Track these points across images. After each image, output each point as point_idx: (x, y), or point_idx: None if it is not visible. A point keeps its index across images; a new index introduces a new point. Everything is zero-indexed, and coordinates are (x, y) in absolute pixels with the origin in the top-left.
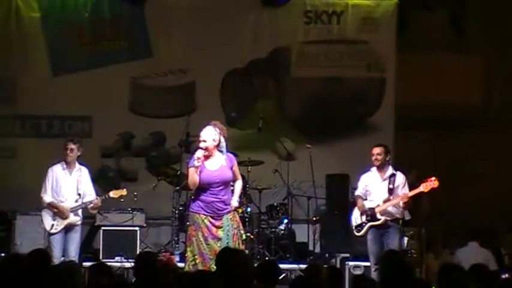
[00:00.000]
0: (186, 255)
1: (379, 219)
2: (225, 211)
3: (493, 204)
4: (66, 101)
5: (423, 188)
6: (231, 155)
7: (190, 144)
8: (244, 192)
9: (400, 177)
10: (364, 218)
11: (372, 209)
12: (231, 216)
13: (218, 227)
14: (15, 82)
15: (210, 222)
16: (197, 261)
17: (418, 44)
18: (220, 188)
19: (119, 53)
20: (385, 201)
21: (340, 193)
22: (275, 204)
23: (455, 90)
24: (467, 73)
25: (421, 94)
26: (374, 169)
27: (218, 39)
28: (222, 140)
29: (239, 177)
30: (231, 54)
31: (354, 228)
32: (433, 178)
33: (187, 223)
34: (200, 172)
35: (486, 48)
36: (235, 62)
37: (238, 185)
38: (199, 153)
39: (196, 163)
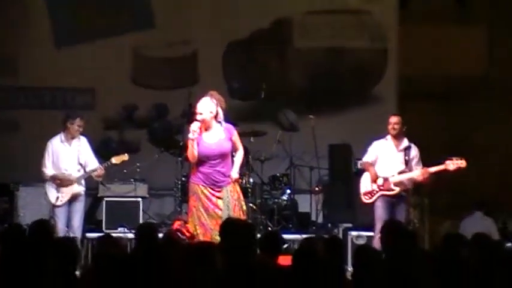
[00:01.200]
0: (188, 225)
1: (393, 190)
2: (224, 182)
3: (497, 176)
4: (69, 73)
5: (449, 166)
6: (229, 126)
7: (192, 116)
8: (246, 163)
9: (415, 150)
10: (375, 185)
11: (386, 178)
12: (230, 188)
13: (218, 198)
14: (18, 54)
15: (210, 192)
16: (198, 231)
17: (420, 15)
18: (219, 160)
19: (121, 24)
20: (400, 173)
21: (343, 163)
22: (278, 174)
23: (458, 61)
24: (470, 44)
25: (423, 65)
26: (389, 138)
27: (220, 9)
28: (220, 111)
29: (240, 147)
30: (233, 25)
31: (362, 194)
32: (461, 159)
33: (189, 194)
34: (198, 145)
35: (489, 19)
36: (238, 33)
37: (239, 156)
38: (194, 126)
39: (191, 135)
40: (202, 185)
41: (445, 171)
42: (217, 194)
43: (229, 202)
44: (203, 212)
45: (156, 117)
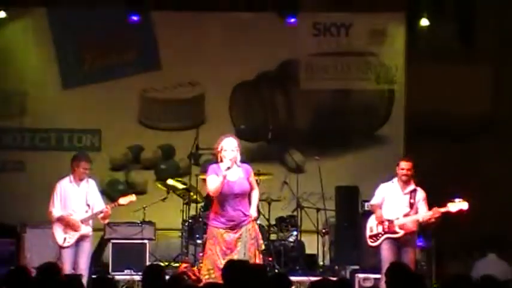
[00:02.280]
0: (195, 269)
1: (397, 233)
2: (244, 222)
3: (505, 213)
4: (76, 114)
5: (451, 207)
6: (247, 166)
7: (199, 157)
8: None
9: (421, 193)
10: (380, 228)
11: (391, 221)
12: (249, 227)
13: (237, 239)
14: (25, 96)
15: (229, 236)
16: (213, 275)
17: (428, 54)
18: (239, 199)
19: (128, 66)
20: (405, 215)
21: (350, 205)
22: (284, 216)
23: (465, 101)
24: (476, 84)
25: (430, 105)
26: (395, 181)
27: (227, 51)
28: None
29: (256, 187)
30: (240, 67)
31: (368, 237)
32: (461, 200)
33: (204, 236)
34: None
35: (496, 59)
36: (244, 74)
37: (255, 195)
38: (227, 163)
39: (228, 172)
40: (222, 229)
41: (447, 213)
42: (237, 236)
43: (247, 242)
44: (220, 255)
45: (162, 158)
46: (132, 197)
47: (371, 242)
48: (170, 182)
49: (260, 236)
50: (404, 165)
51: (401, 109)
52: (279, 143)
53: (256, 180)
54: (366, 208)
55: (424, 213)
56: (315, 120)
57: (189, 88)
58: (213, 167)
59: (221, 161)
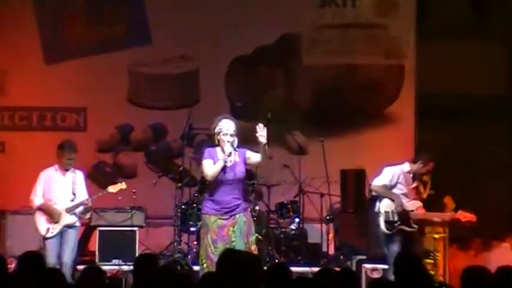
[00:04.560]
0: (200, 256)
1: (413, 227)
2: (238, 208)
3: None
4: (59, 91)
5: (461, 217)
6: (243, 150)
7: (193, 138)
8: (252, 189)
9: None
10: (396, 216)
11: (406, 212)
12: (245, 220)
13: (230, 226)
14: (4, 72)
15: (222, 223)
16: (205, 265)
17: (439, 30)
18: (233, 185)
19: (116, 40)
20: (418, 209)
21: (356, 190)
22: (285, 202)
23: (478, 78)
24: (490, 61)
25: (442, 83)
26: (407, 167)
27: (222, 24)
28: None
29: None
30: (236, 41)
31: (383, 222)
32: (470, 213)
33: (199, 223)
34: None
35: (509, 34)
36: (241, 48)
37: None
38: (229, 147)
39: (229, 159)
40: (214, 215)
41: (457, 220)
42: (229, 223)
43: (241, 232)
44: (211, 243)
45: (153, 139)
46: (123, 185)
47: (386, 229)
48: (111, 190)
49: (253, 229)
50: (431, 166)
51: (412, 86)
52: (279, 123)
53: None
54: (374, 194)
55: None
56: (318, 98)
57: (181, 63)
58: (209, 150)
59: (218, 144)
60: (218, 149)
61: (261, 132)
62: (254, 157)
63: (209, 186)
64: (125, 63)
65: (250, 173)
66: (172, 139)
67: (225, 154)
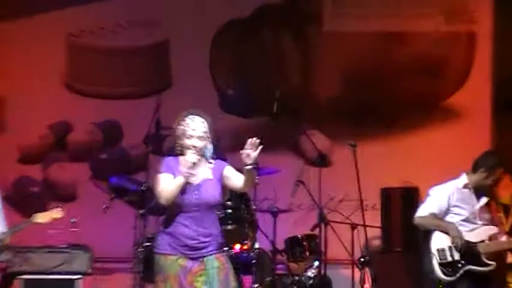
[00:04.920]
0: None
1: (487, 265)
2: (208, 248)
3: None
4: None
5: None
6: (220, 163)
7: (162, 141)
8: (247, 219)
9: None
10: (457, 254)
11: (473, 244)
12: (218, 264)
13: (196, 274)
14: None
15: (185, 265)
16: None
17: None
18: (202, 211)
19: None
20: (492, 238)
21: (404, 217)
22: (299, 236)
23: None
24: None
25: None
26: (464, 178)
27: None
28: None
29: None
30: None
31: (438, 265)
32: None
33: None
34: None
35: None
36: (235, 9)
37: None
38: (192, 157)
39: (189, 172)
40: (174, 255)
41: None
42: (195, 269)
43: (214, 280)
44: None
45: (103, 144)
46: (57, 212)
47: (445, 274)
48: (39, 219)
49: (232, 277)
50: (500, 175)
51: (487, 66)
52: (290, 119)
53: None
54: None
55: None
56: (347, 82)
57: (144, 31)
58: (168, 161)
59: (180, 152)
60: (181, 158)
61: (250, 151)
62: (235, 178)
63: (166, 214)
64: (62, 31)
65: (244, 194)
66: (131, 144)
67: (186, 164)
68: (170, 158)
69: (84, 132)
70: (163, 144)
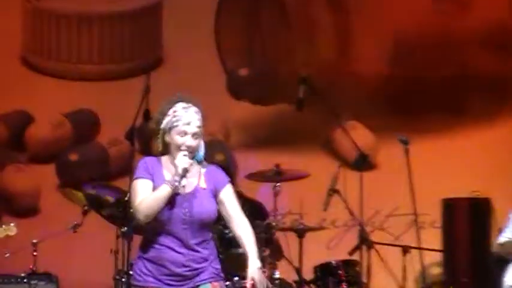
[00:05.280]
0: None
1: None
2: (202, 276)
3: None
4: None
5: None
6: (216, 170)
7: (152, 136)
8: (264, 240)
9: None
10: None
11: None
12: None
13: None
14: None
15: None
16: None
17: None
18: (193, 231)
19: None
20: None
21: (474, 238)
22: (333, 262)
23: None
24: None
25: None
26: None
27: None
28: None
29: (241, 213)
30: None
31: None
32: None
33: None
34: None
35: None
36: None
37: (246, 230)
38: (184, 161)
39: (178, 180)
40: (155, 286)
41: None
42: None
43: None
44: None
45: (74, 140)
46: (10, 229)
47: None
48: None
49: None
50: None
51: None
52: (322, 107)
53: (274, 187)
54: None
55: None
56: (396, 57)
57: None
58: (146, 162)
59: (164, 151)
60: (164, 160)
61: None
62: (229, 207)
63: (145, 234)
64: None
65: (259, 206)
66: (110, 140)
67: (176, 171)
68: (148, 158)
69: (49, 124)
70: (154, 139)
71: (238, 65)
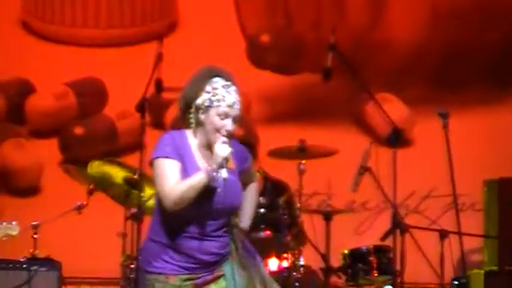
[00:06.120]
0: None
1: None
2: (227, 256)
3: None
4: None
5: None
6: (238, 144)
7: (163, 108)
8: (288, 223)
9: None
10: None
11: None
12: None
13: (212, 284)
14: None
15: (195, 284)
16: None
17: None
18: (223, 220)
19: None
20: None
21: None
22: (363, 249)
23: None
24: None
25: None
26: None
27: None
28: None
29: (254, 178)
30: None
31: None
32: None
33: None
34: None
35: None
36: None
37: (251, 193)
38: (225, 149)
39: (217, 169)
40: (178, 275)
41: None
42: (210, 277)
43: (235, 279)
44: None
45: (78, 112)
46: (11, 228)
47: None
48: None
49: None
50: None
51: None
52: (352, 78)
53: (299, 165)
54: None
55: None
56: (435, 21)
57: None
58: (170, 138)
59: (188, 126)
60: (191, 137)
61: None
62: (245, 181)
63: (165, 219)
64: None
65: (282, 185)
66: (119, 112)
67: (214, 159)
68: (175, 134)
69: (51, 95)
70: (166, 112)
71: (260, 31)
